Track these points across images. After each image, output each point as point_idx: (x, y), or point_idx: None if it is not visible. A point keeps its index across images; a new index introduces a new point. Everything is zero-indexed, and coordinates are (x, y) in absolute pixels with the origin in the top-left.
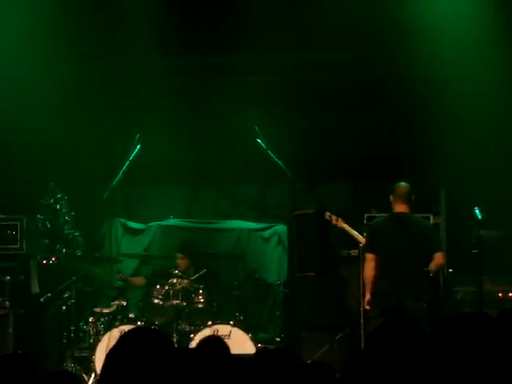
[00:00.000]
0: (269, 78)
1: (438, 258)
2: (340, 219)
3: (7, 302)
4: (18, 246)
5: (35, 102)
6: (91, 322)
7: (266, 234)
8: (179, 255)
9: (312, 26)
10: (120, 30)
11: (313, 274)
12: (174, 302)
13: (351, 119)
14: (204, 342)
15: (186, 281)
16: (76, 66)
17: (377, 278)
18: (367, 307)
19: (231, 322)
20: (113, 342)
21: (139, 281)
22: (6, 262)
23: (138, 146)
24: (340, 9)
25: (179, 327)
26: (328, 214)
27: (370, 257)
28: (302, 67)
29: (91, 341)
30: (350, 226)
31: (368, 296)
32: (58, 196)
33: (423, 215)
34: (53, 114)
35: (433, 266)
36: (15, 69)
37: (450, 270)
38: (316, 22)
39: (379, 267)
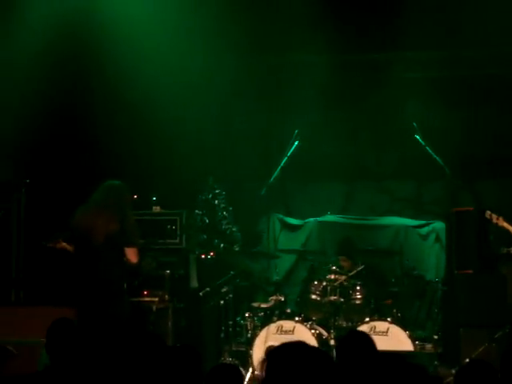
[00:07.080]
0: (427, 74)
1: None
2: (501, 218)
3: (167, 296)
4: (178, 240)
5: (195, 101)
6: (249, 316)
7: (424, 230)
8: (342, 258)
9: (470, 21)
10: (281, 28)
11: (471, 271)
12: (332, 297)
13: None
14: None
15: (343, 277)
16: (236, 63)
17: None
18: None
19: (389, 319)
20: (271, 337)
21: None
22: (166, 256)
23: (296, 142)
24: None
25: (336, 323)
26: (488, 212)
27: None
28: (459, 63)
29: (248, 335)
30: (510, 223)
31: None
32: (216, 191)
33: None
34: (212, 111)
35: None
36: (172, 68)
37: None
38: (474, 16)
39: None
